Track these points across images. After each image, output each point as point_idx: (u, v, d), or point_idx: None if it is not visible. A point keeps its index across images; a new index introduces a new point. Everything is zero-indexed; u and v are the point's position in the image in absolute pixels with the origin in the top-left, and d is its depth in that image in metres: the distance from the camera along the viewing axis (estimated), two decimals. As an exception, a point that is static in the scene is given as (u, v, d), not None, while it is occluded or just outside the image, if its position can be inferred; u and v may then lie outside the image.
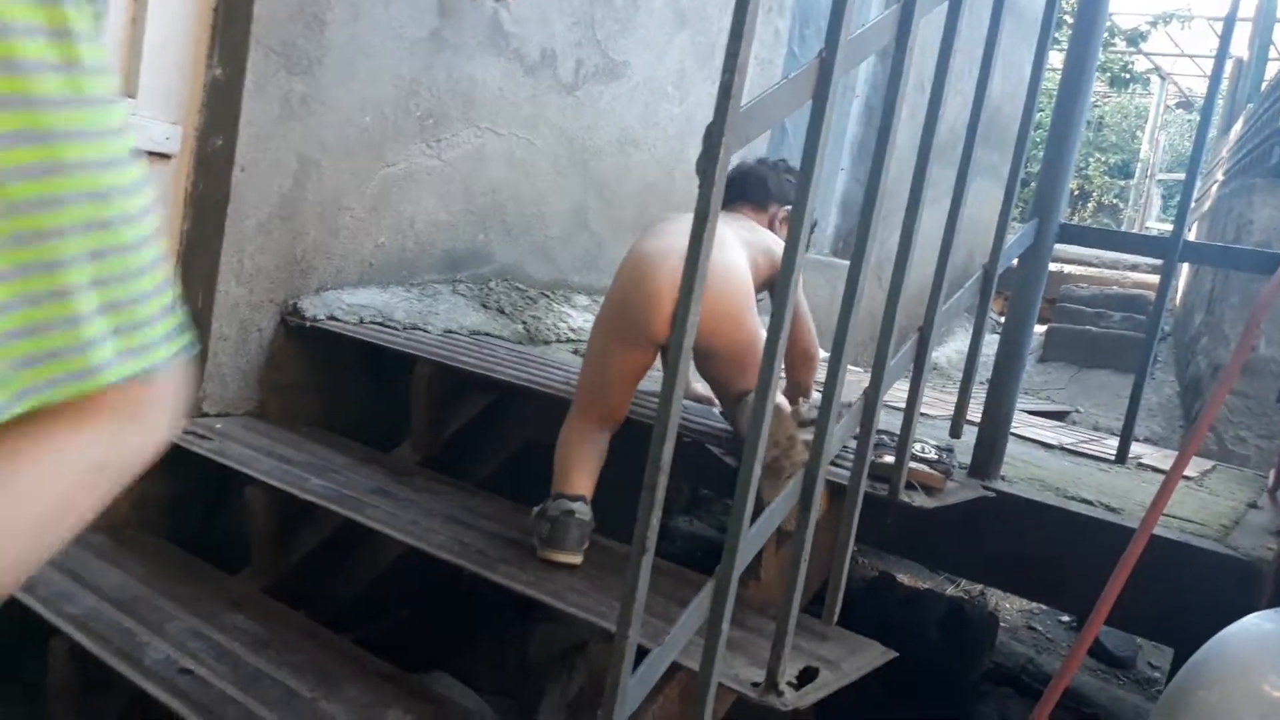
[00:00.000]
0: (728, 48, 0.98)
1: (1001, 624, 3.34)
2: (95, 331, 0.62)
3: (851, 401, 1.48)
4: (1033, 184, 2.49)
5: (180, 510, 2.29)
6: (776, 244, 1.97)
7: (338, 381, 2.50)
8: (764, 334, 1.77)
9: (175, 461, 2.21)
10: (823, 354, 2.11)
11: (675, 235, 1.78)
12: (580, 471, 1.74)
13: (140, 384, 0.71)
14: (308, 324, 2.34)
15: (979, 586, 3.70)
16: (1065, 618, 3.64)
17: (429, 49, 2.60)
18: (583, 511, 1.70)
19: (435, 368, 2.18)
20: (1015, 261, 1.87)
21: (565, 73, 3.07)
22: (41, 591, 1.76)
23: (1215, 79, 2.17)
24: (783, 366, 1.47)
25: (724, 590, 1.15)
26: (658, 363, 1.85)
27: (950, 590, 3.64)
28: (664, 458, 1.00)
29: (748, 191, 2.12)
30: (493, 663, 2.32)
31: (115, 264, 0.62)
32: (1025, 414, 3.07)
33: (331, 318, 2.39)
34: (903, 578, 3.58)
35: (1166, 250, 1.84)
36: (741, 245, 1.87)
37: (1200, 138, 1.91)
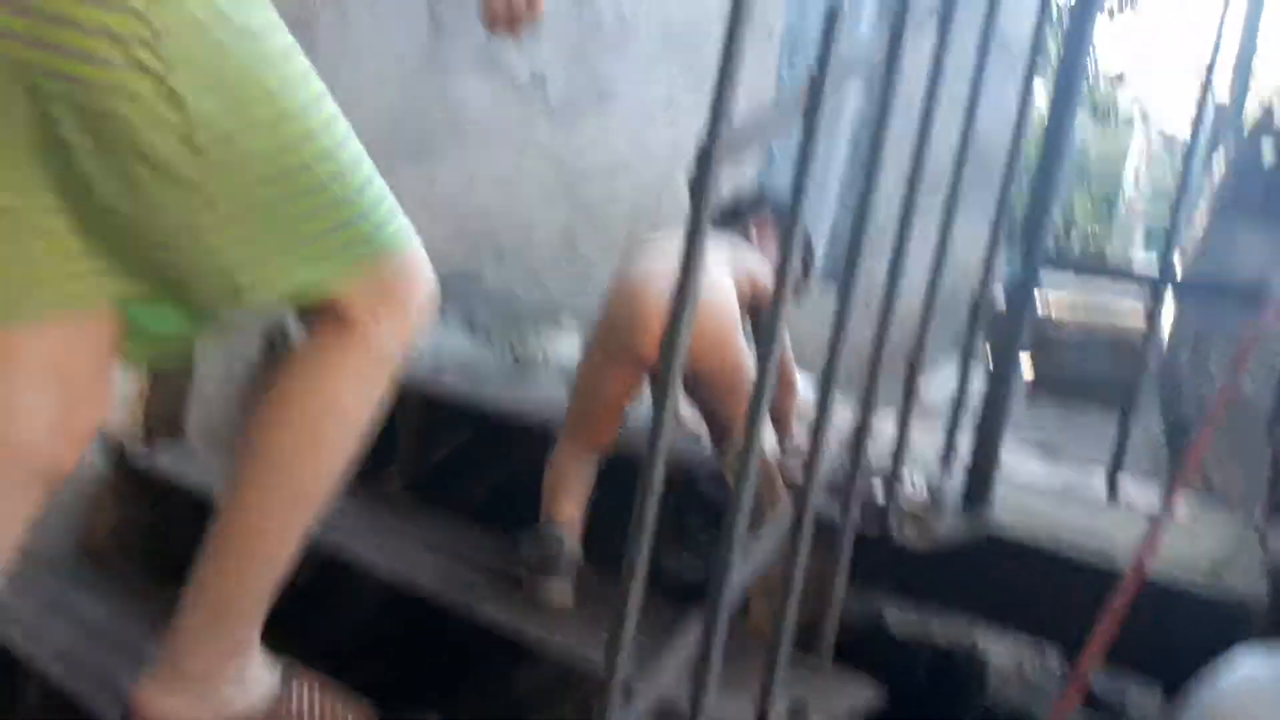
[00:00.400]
0: (720, 62, 0.96)
1: (990, 669, 3.29)
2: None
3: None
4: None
5: (158, 539, 2.24)
6: (760, 264, 1.96)
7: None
8: (750, 360, 1.76)
9: (155, 488, 2.18)
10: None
11: (662, 255, 1.77)
12: (568, 497, 1.71)
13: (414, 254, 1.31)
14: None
15: (970, 634, 3.66)
16: (1055, 664, 3.60)
17: (418, 70, 2.58)
18: (571, 547, 1.67)
19: (421, 394, 2.15)
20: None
21: (555, 96, 3.06)
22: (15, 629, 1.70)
23: (1199, 118, 2.17)
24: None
25: (713, 625, 1.12)
26: (648, 393, 1.83)
27: (940, 635, 3.59)
28: (655, 480, 0.97)
29: (743, 211, 2.12)
30: (481, 702, 2.26)
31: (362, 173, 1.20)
32: (1014, 451, 3.05)
33: (315, 341, 2.36)
34: (892, 623, 3.53)
35: (1155, 282, 1.83)
36: (726, 264, 1.85)
37: (1186, 173, 1.91)
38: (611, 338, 1.77)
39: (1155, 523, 1.41)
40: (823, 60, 1.13)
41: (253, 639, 1.29)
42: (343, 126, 1.20)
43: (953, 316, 1.91)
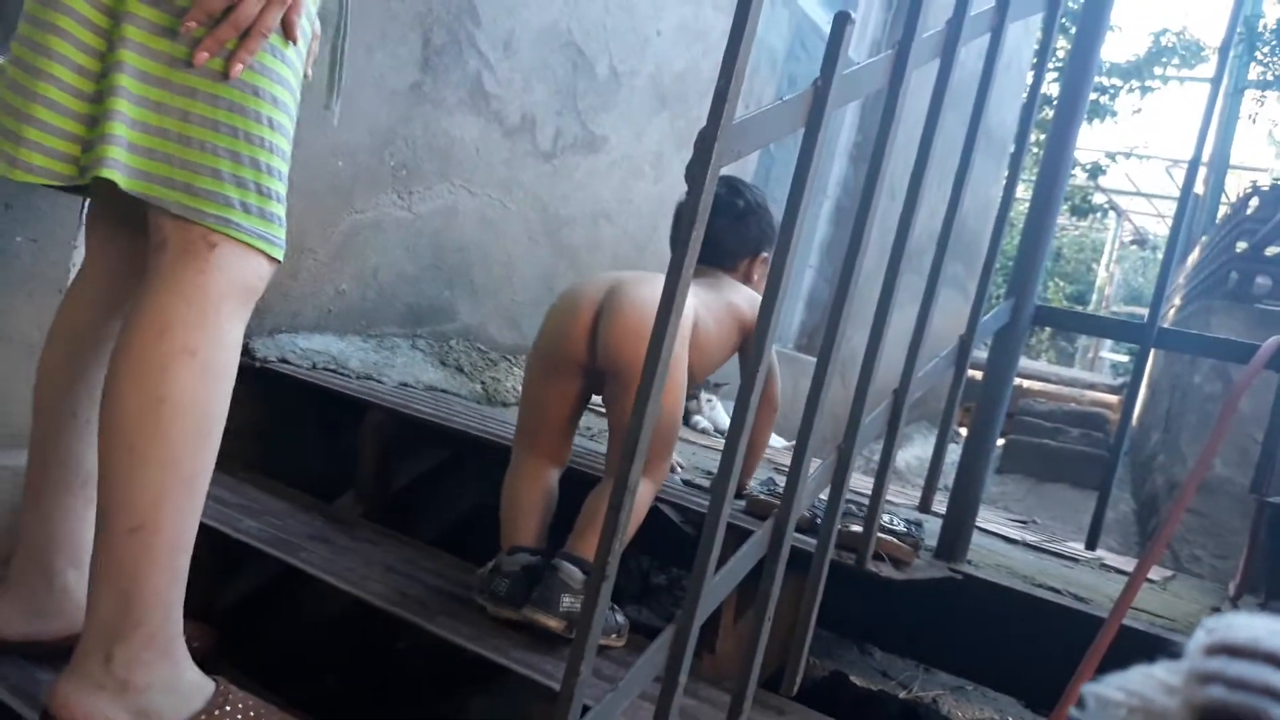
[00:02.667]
0: (725, 51, 0.95)
1: (954, 728, 3.22)
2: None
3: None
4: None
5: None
6: (752, 302, 1.93)
7: (284, 427, 2.40)
8: (684, 375, 1.73)
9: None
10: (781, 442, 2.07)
11: (595, 280, 1.79)
12: (530, 519, 1.65)
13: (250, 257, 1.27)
14: (257, 364, 2.25)
15: (932, 694, 3.59)
16: (1017, 727, 3.53)
17: (408, 100, 2.57)
18: (533, 561, 1.60)
19: (386, 415, 2.09)
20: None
21: (544, 140, 3.07)
22: None
23: (1188, 186, 2.19)
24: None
25: (684, 637, 1.06)
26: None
27: (903, 695, 3.52)
28: (632, 478, 0.92)
29: (717, 253, 2.05)
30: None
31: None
32: (987, 515, 3.02)
33: (283, 360, 2.30)
34: (855, 679, 3.46)
35: (1142, 335, 1.82)
36: (701, 302, 1.84)
37: (1175, 231, 1.91)
38: (547, 343, 1.76)
39: (1137, 570, 1.37)
40: (827, 71, 1.12)
41: (173, 643, 1.24)
42: (283, 123, 1.26)
43: (928, 393, 1.89)
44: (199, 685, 1.27)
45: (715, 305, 1.88)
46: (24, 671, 1.38)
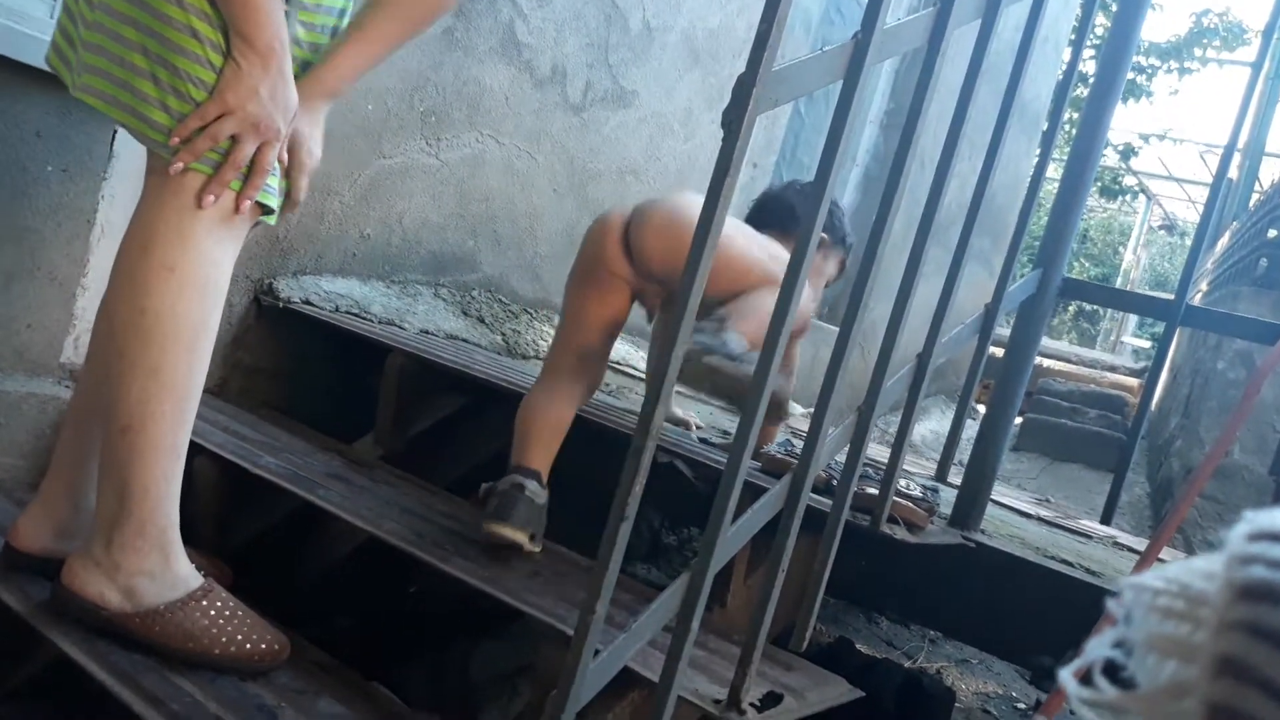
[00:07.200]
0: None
1: (957, 696, 3.24)
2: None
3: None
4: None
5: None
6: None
7: (305, 368, 2.41)
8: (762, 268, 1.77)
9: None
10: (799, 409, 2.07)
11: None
12: (538, 444, 1.66)
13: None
14: (281, 305, 2.26)
15: (937, 665, 3.61)
16: (1021, 705, 3.55)
17: (440, 46, 2.56)
18: (535, 490, 1.60)
19: (407, 359, 2.10)
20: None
21: (574, 92, 3.04)
22: None
23: (1223, 168, 2.16)
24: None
25: (698, 584, 1.07)
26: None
27: (908, 664, 3.54)
28: (655, 423, 0.93)
29: (777, 217, 2.07)
30: (432, 679, 2.20)
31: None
32: (1002, 490, 3.02)
33: (306, 302, 2.31)
34: (861, 647, 3.48)
35: (1169, 313, 1.80)
36: (749, 237, 1.85)
37: (1210, 205, 1.89)
38: (582, 261, 1.82)
39: (1155, 539, 1.37)
40: (868, 25, 1.10)
41: (164, 535, 1.35)
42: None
43: (947, 368, 1.88)
44: (185, 579, 1.38)
45: (760, 242, 1.90)
46: (42, 587, 1.42)
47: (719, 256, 1.82)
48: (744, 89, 0.94)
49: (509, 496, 1.58)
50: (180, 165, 1.24)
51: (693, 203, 1.84)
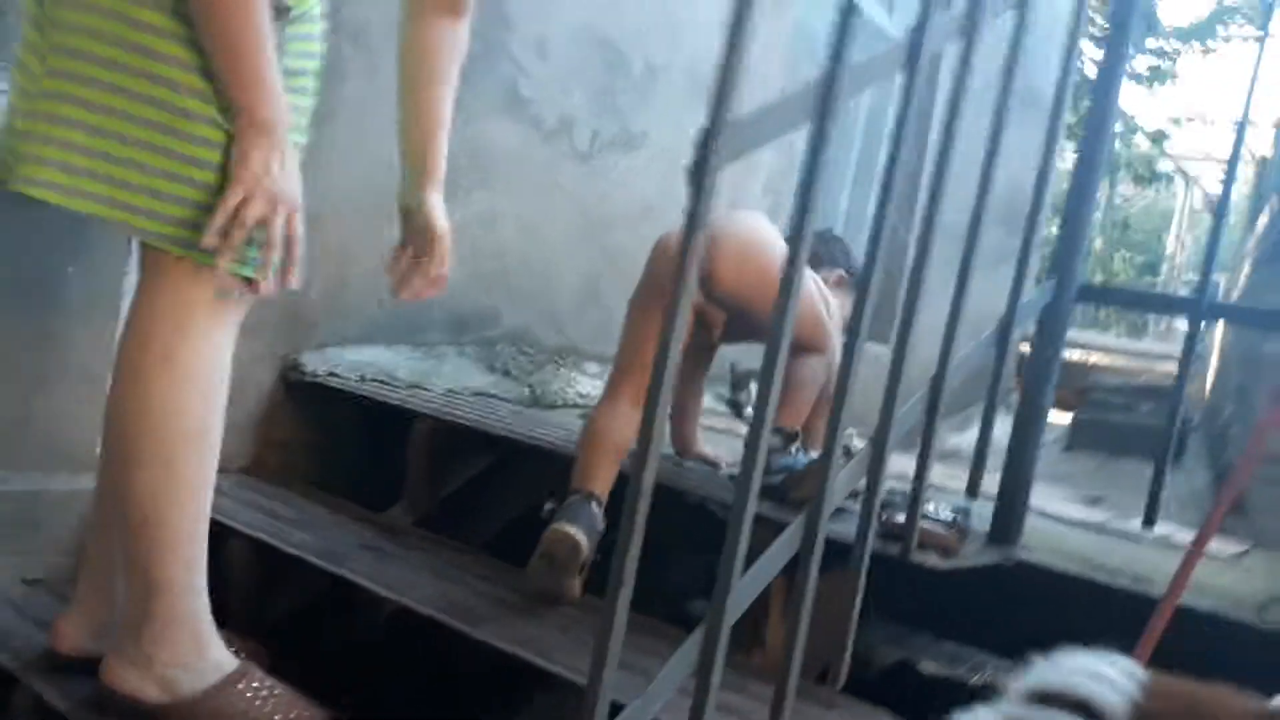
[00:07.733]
0: (723, 48, 0.94)
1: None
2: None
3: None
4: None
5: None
6: (819, 288, 1.98)
7: (335, 440, 2.44)
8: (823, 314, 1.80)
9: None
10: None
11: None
12: (600, 467, 1.68)
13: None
14: (307, 379, 2.30)
15: (1000, 674, 3.53)
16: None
17: (444, 110, 2.60)
18: (596, 513, 1.63)
19: (434, 422, 2.12)
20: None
21: (581, 140, 3.07)
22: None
23: (1236, 150, 2.11)
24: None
25: (715, 636, 1.06)
26: None
27: (974, 681, 3.47)
28: (648, 469, 0.92)
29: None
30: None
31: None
32: (1049, 494, 2.96)
33: (332, 374, 2.35)
34: (928, 665, 3.42)
35: (1191, 309, 1.76)
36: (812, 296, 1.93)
37: (1225, 190, 1.85)
38: (657, 274, 1.90)
39: (1192, 549, 1.33)
40: (838, 50, 1.10)
41: (196, 623, 1.36)
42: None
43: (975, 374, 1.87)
44: (220, 663, 1.38)
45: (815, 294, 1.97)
46: (84, 684, 1.45)
47: (766, 263, 1.87)
48: (705, 146, 0.93)
49: (575, 505, 1.64)
50: (225, 263, 1.23)
51: (759, 228, 2.02)
